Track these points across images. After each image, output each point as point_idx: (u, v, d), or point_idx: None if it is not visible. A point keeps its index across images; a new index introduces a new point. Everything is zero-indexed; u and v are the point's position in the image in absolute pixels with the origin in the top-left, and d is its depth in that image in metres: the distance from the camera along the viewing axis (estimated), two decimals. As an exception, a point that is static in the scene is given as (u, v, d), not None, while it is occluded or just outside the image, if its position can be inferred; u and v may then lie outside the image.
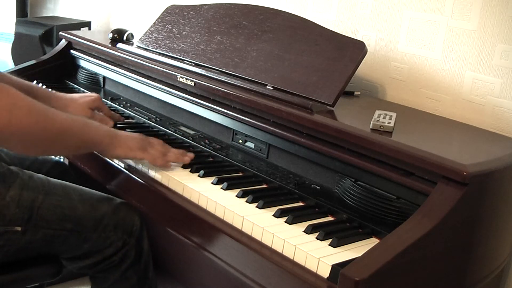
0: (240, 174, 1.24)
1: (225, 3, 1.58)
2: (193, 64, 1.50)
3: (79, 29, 2.54)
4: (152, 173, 1.24)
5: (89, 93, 1.55)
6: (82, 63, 1.92)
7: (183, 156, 1.26)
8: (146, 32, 1.72)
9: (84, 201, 1.23)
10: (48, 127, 1.07)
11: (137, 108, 1.65)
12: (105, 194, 1.29)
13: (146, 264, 1.31)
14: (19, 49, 2.61)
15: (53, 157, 1.73)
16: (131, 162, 1.29)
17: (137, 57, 1.62)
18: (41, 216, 1.16)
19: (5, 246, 1.14)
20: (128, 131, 1.40)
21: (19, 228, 1.14)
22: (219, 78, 1.39)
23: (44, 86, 1.81)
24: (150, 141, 1.27)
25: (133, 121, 1.57)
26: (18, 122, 1.01)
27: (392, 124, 1.11)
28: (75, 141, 1.16)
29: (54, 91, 1.46)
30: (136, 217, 1.28)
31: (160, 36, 1.66)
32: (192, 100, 1.44)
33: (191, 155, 1.27)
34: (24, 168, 1.24)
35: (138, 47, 1.69)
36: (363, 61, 1.27)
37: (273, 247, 0.97)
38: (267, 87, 1.32)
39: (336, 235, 0.96)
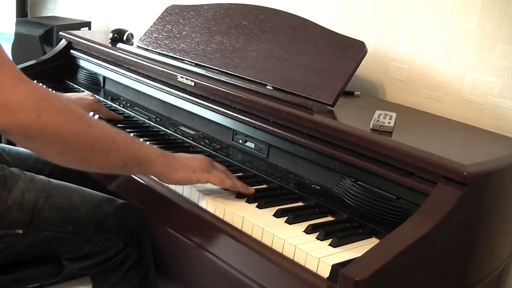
0: (240, 174, 1.24)
1: (225, 3, 1.58)
2: (193, 64, 1.50)
3: (79, 29, 2.54)
4: (152, 173, 1.23)
5: (85, 93, 1.54)
6: (82, 63, 1.92)
7: (248, 187, 1.13)
8: (146, 32, 1.72)
9: (86, 203, 1.23)
10: (86, 131, 0.92)
11: (137, 108, 1.65)
12: (106, 195, 1.29)
13: (147, 265, 1.31)
14: (19, 49, 2.61)
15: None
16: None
17: (137, 57, 1.62)
18: (42, 218, 1.16)
19: (6, 249, 1.14)
20: (129, 131, 1.40)
21: (20, 231, 1.13)
22: (219, 78, 1.39)
23: (44, 86, 1.81)
24: (212, 161, 1.13)
25: (133, 120, 1.57)
26: (47, 119, 0.86)
27: (392, 124, 1.11)
28: (121, 155, 0.98)
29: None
30: (137, 218, 1.28)
31: (160, 36, 1.66)
32: (192, 100, 1.44)
33: (252, 190, 1.13)
34: (26, 168, 1.23)
35: (138, 47, 1.69)
36: (363, 61, 1.27)
37: (273, 247, 0.97)
38: (267, 87, 1.32)
39: (336, 235, 0.96)
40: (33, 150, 0.92)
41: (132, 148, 1.00)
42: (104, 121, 1.01)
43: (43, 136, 0.87)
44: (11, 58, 0.89)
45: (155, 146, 1.10)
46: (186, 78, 1.43)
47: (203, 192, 1.12)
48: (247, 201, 1.09)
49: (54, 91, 0.96)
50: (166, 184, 1.19)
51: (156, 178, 1.10)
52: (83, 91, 1.82)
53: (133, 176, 1.26)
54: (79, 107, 0.95)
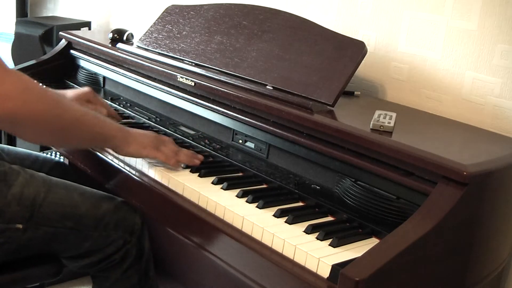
0: (240, 174, 1.24)
1: (225, 3, 1.58)
2: (193, 64, 1.50)
3: (79, 29, 2.54)
4: (152, 173, 1.24)
5: (81, 88, 1.54)
6: (82, 63, 1.92)
7: (193, 158, 1.25)
8: (146, 32, 1.72)
9: (85, 200, 1.23)
10: (61, 114, 1.06)
11: (137, 108, 1.65)
12: (106, 193, 1.30)
13: (147, 263, 1.32)
14: (19, 49, 2.61)
15: (53, 157, 1.73)
16: (131, 162, 1.29)
17: (137, 57, 1.62)
18: (42, 214, 1.16)
19: (6, 243, 1.14)
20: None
21: (20, 226, 1.14)
22: (219, 78, 1.39)
23: (44, 86, 1.81)
24: (162, 139, 1.25)
25: (133, 121, 1.57)
26: (31, 106, 0.99)
27: (392, 124, 1.11)
28: (89, 133, 1.14)
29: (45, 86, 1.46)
30: (137, 216, 1.28)
31: (160, 36, 1.66)
32: (192, 100, 1.44)
33: (200, 157, 1.26)
34: (25, 168, 1.24)
35: (138, 47, 1.69)
36: (363, 61, 1.27)
37: (273, 247, 0.97)
38: (267, 87, 1.32)
39: (336, 235, 0.96)
40: (17, 134, 1.07)
41: (98, 126, 1.15)
42: (75, 103, 1.16)
43: (27, 121, 1.00)
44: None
45: (112, 120, 1.22)
46: (186, 78, 1.43)
47: (203, 192, 1.12)
48: (247, 201, 1.09)
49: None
50: (165, 184, 1.19)
51: (113, 152, 1.26)
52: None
53: (132, 175, 1.26)
54: (55, 92, 1.09)
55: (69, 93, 1.44)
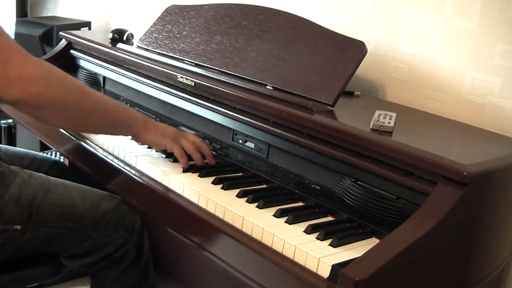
0: (240, 174, 1.24)
1: (225, 3, 1.58)
2: (193, 64, 1.50)
3: (79, 29, 2.54)
4: (152, 173, 1.23)
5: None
6: (82, 63, 1.92)
7: (212, 158, 1.26)
8: (146, 32, 1.72)
9: (85, 199, 1.23)
10: (84, 99, 1.08)
11: (137, 108, 1.65)
12: (105, 192, 1.29)
13: (147, 263, 1.31)
14: (19, 49, 2.61)
15: (52, 156, 1.73)
16: (131, 161, 1.29)
17: (137, 57, 1.62)
18: (40, 214, 1.16)
19: (5, 244, 1.14)
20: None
21: (18, 227, 1.14)
22: (219, 78, 1.39)
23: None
24: (184, 133, 1.27)
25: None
26: (54, 90, 1.01)
27: (392, 124, 1.11)
28: (111, 118, 1.16)
29: None
30: (136, 216, 1.28)
31: (160, 36, 1.66)
32: (192, 100, 1.44)
33: (213, 161, 1.27)
34: (23, 167, 1.24)
35: (138, 47, 1.69)
36: (363, 61, 1.27)
37: (273, 247, 0.97)
38: (267, 87, 1.32)
39: (336, 235, 0.96)
40: (40, 118, 1.06)
41: (120, 112, 1.17)
42: (96, 90, 1.17)
43: (51, 104, 1.02)
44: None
45: (134, 110, 1.25)
46: (186, 78, 1.43)
47: (203, 191, 1.12)
48: (247, 201, 1.09)
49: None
50: (166, 184, 1.19)
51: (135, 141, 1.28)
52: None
53: (132, 175, 1.26)
54: (74, 78, 1.10)
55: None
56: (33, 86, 0.97)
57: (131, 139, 1.27)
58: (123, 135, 1.30)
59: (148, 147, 1.32)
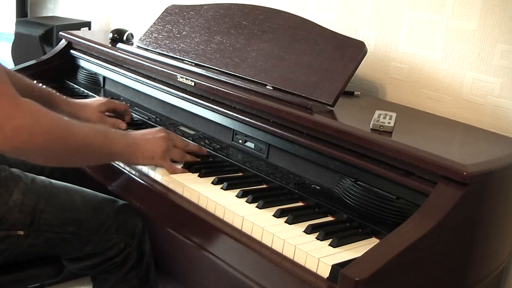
0: (240, 174, 1.24)
1: (225, 3, 1.58)
2: (193, 64, 1.50)
3: (79, 29, 2.54)
4: (152, 173, 1.23)
5: (98, 97, 1.56)
6: (82, 63, 1.92)
7: (200, 149, 1.30)
8: (146, 32, 1.72)
9: (87, 203, 1.23)
10: (70, 142, 1.08)
11: (137, 108, 1.65)
12: (107, 196, 1.29)
13: (148, 266, 1.31)
14: (19, 49, 2.61)
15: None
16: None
17: (137, 57, 1.62)
18: (43, 220, 1.16)
19: (7, 250, 1.14)
20: (130, 130, 1.40)
21: (21, 232, 1.13)
22: (219, 78, 1.39)
23: (44, 87, 1.81)
24: (172, 138, 1.26)
25: (133, 120, 1.57)
26: (39, 140, 1.01)
27: (392, 124, 1.11)
28: (97, 154, 1.16)
29: (66, 97, 1.46)
30: (138, 219, 1.28)
31: (160, 36, 1.66)
32: (192, 100, 1.44)
33: (204, 150, 1.31)
34: (27, 169, 1.24)
35: (138, 47, 1.69)
36: (363, 61, 1.27)
37: (273, 247, 0.97)
38: (267, 87, 1.32)
39: (336, 235, 0.96)
40: (24, 159, 1.06)
41: (105, 147, 1.16)
42: (85, 124, 1.15)
43: (34, 153, 1.03)
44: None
45: (123, 133, 1.23)
46: (186, 78, 1.43)
47: (203, 192, 1.12)
48: (247, 201, 1.09)
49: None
50: (165, 184, 1.19)
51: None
52: (83, 91, 1.83)
53: (133, 176, 1.26)
54: (63, 117, 1.08)
55: (90, 105, 1.47)
56: (16, 138, 0.97)
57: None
58: (110, 162, 1.31)
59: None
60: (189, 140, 1.36)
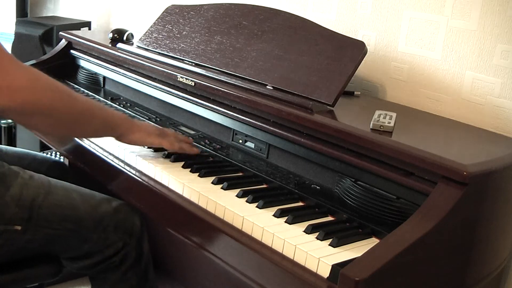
0: (240, 174, 1.24)
1: (225, 3, 1.58)
2: (193, 64, 1.50)
3: (79, 29, 2.54)
4: (152, 173, 1.24)
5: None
6: (82, 63, 1.92)
7: (192, 147, 1.30)
8: (146, 32, 1.72)
9: (85, 201, 1.23)
10: (72, 105, 1.08)
11: (137, 108, 1.65)
12: (106, 195, 1.29)
13: (147, 266, 1.31)
14: (19, 49, 2.61)
15: (52, 156, 1.73)
16: (131, 161, 1.29)
17: (137, 57, 1.62)
18: (41, 215, 1.16)
19: (5, 245, 1.14)
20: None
21: (19, 227, 1.14)
22: (219, 78, 1.39)
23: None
24: (166, 129, 1.30)
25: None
26: (40, 97, 1.01)
27: (392, 124, 1.11)
28: (97, 122, 1.17)
29: None
30: (136, 218, 1.28)
31: (160, 36, 1.66)
32: (192, 100, 1.44)
33: (196, 150, 1.31)
34: (23, 167, 1.24)
35: (138, 47, 1.69)
36: (363, 61, 1.27)
37: (273, 247, 0.97)
38: (267, 87, 1.32)
39: (336, 235, 0.96)
40: (27, 125, 1.09)
41: (106, 115, 1.18)
42: (83, 94, 1.18)
43: (37, 112, 1.02)
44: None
45: (117, 111, 1.26)
46: (186, 78, 1.43)
47: (203, 192, 1.12)
48: (247, 201, 1.09)
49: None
50: (165, 184, 1.19)
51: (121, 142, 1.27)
52: (83, 92, 1.83)
53: (132, 175, 1.26)
54: (63, 84, 1.10)
55: None
56: (18, 93, 0.97)
57: (116, 139, 1.26)
58: (109, 136, 1.30)
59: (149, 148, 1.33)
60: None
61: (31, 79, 0.99)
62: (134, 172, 1.27)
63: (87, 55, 1.86)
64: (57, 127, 1.11)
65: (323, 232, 0.97)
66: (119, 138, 1.24)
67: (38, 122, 1.06)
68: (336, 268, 0.86)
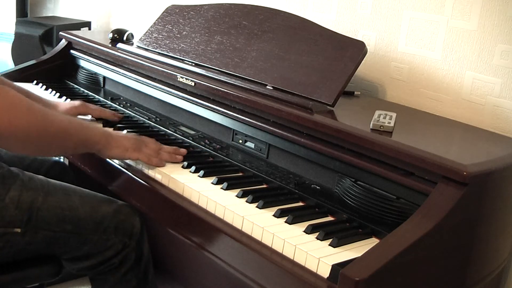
0: (240, 174, 1.24)
1: (225, 3, 1.58)
2: (193, 64, 1.50)
3: (79, 29, 2.54)
4: (152, 173, 1.24)
5: (73, 102, 1.55)
6: (82, 63, 1.92)
7: (175, 154, 1.28)
8: (146, 32, 1.72)
9: (85, 203, 1.23)
10: (47, 127, 1.09)
11: (137, 108, 1.65)
12: (105, 196, 1.29)
13: (146, 267, 1.31)
14: (19, 49, 2.61)
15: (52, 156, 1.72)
16: (131, 162, 1.29)
17: (137, 57, 1.62)
18: (40, 217, 1.16)
19: (5, 247, 1.14)
20: (129, 131, 1.40)
21: (18, 230, 1.13)
22: (219, 78, 1.39)
23: (44, 86, 1.81)
24: (144, 140, 1.29)
25: (133, 120, 1.57)
26: (17, 123, 1.02)
27: (392, 124, 1.11)
28: (73, 142, 1.17)
29: (40, 96, 1.48)
30: (136, 220, 1.28)
31: (160, 36, 1.66)
32: (192, 100, 1.44)
33: (183, 151, 1.30)
34: (23, 167, 1.24)
35: (138, 47, 1.69)
36: (363, 61, 1.27)
37: (273, 247, 0.97)
38: (267, 87, 1.32)
39: (336, 235, 0.96)
40: (2, 147, 1.09)
41: (82, 134, 1.18)
42: (60, 113, 1.20)
43: (11, 137, 1.03)
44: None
45: (97, 125, 1.28)
46: (186, 78, 1.43)
47: (203, 192, 1.12)
48: (247, 201, 1.09)
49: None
50: (165, 184, 1.19)
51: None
52: (83, 91, 1.83)
53: (132, 175, 1.26)
54: (40, 106, 1.11)
55: (61, 106, 1.48)
56: None
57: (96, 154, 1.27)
58: (85, 152, 1.31)
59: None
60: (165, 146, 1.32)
61: (6, 106, 1.00)
62: (133, 172, 1.27)
63: (87, 55, 1.86)
64: (31, 148, 1.13)
65: (323, 232, 0.97)
66: (99, 153, 1.25)
67: (10, 145, 1.08)
68: (336, 268, 0.86)
